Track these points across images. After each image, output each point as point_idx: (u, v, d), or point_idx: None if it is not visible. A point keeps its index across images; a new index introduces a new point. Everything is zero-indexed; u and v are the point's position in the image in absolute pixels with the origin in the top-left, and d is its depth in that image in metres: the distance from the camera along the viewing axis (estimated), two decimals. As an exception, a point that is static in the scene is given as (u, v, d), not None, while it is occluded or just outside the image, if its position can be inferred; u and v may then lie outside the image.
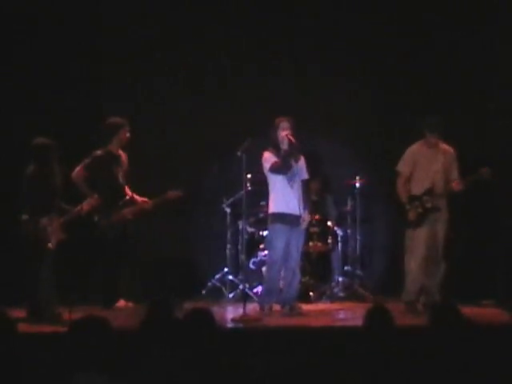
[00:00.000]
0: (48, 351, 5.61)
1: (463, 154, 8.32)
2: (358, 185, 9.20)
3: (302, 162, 8.03)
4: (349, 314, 7.62)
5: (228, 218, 9.27)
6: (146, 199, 8.46)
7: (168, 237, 9.31)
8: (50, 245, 7.51)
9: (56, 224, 7.58)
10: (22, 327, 6.08)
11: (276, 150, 7.89)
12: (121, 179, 8.39)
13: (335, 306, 7.95)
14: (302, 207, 7.85)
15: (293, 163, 7.90)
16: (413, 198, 8.12)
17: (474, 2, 9.26)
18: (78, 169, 8.28)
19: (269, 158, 7.90)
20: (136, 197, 8.47)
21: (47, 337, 6.46)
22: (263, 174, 8.02)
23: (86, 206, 7.81)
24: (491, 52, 9.20)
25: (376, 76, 9.48)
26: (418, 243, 8.04)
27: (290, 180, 7.88)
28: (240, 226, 8.96)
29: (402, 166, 8.23)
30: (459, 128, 8.79)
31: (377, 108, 9.47)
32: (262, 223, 9.31)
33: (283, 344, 6.36)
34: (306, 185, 8.07)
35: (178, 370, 4.17)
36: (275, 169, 7.86)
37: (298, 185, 7.91)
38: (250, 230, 9.07)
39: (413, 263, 8.06)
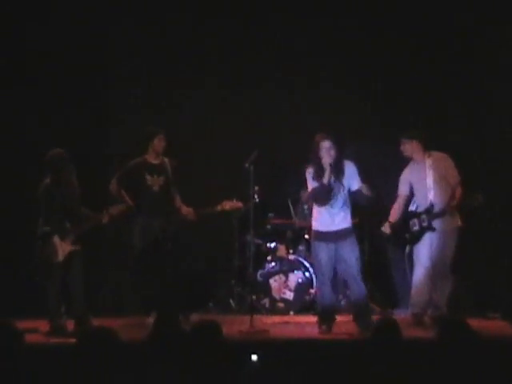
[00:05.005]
0: (55, 363, 5.61)
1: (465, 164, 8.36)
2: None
3: (349, 171, 7.63)
4: (357, 326, 7.59)
5: (235, 229, 9.26)
6: (191, 210, 8.27)
7: (174, 249, 9.28)
8: (57, 258, 7.52)
9: (68, 237, 7.58)
10: (30, 338, 6.11)
11: (317, 169, 7.57)
12: (157, 188, 8.23)
13: (343, 318, 7.92)
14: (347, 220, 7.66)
15: (333, 184, 7.56)
16: (413, 215, 8.18)
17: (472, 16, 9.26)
18: (112, 181, 8.26)
19: (308, 181, 7.66)
20: (183, 207, 8.30)
21: (54, 348, 6.48)
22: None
23: (113, 210, 7.77)
24: (491, 65, 9.21)
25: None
26: (422, 257, 8.08)
27: (332, 197, 7.60)
28: (247, 238, 8.94)
29: (399, 187, 8.33)
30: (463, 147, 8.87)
31: (384, 123, 9.43)
32: (269, 235, 9.33)
33: (291, 356, 6.36)
34: (360, 194, 7.67)
35: (184, 382, 4.17)
36: (312, 200, 7.70)
37: (343, 198, 7.61)
38: (257, 241, 9.06)
39: (418, 276, 8.10)
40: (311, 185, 7.67)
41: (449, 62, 9.29)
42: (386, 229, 8.24)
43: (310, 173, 7.65)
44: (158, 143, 8.27)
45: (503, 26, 9.06)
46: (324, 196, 7.57)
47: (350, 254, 7.64)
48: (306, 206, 9.21)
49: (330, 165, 7.50)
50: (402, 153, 8.25)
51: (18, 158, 9.00)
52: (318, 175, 7.56)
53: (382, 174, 9.06)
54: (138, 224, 8.16)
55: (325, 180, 7.52)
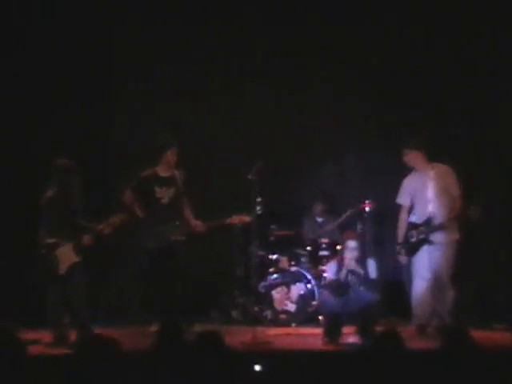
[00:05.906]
0: (57, 373, 5.59)
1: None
2: (367, 208, 9.16)
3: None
4: (359, 337, 7.56)
5: (239, 240, 9.24)
6: (200, 222, 8.26)
7: (181, 260, 9.27)
8: (60, 270, 7.50)
9: (70, 248, 7.55)
10: (33, 349, 6.10)
11: (338, 266, 7.80)
12: (167, 200, 8.23)
13: (346, 329, 7.89)
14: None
15: (351, 281, 7.77)
16: (412, 226, 8.16)
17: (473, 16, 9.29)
18: (126, 191, 8.25)
19: (327, 270, 8.04)
20: (192, 219, 8.29)
21: (55, 359, 6.46)
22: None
23: (113, 220, 7.67)
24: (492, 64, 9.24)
25: (386, 99, 9.48)
26: (421, 268, 8.07)
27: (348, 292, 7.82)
28: (250, 249, 8.92)
29: (400, 198, 8.33)
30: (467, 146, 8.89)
31: (386, 130, 9.46)
32: (271, 247, 9.31)
33: (293, 367, 6.33)
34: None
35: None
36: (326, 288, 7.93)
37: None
38: (260, 253, 9.04)
39: (417, 287, 8.09)
40: (329, 275, 7.94)
41: (450, 63, 9.32)
42: (402, 259, 8.26)
43: (330, 267, 7.96)
44: (171, 156, 8.25)
45: (504, 25, 9.09)
46: (338, 290, 7.74)
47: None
48: (319, 219, 9.35)
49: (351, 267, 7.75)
50: (405, 163, 8.24)
51: (22, 164, 9.01)
52: (338, 271, 7.79)
53: (381, 181, 9.11)
54: (147, 235, 8.15)
55: (341, 276, 7.73)
